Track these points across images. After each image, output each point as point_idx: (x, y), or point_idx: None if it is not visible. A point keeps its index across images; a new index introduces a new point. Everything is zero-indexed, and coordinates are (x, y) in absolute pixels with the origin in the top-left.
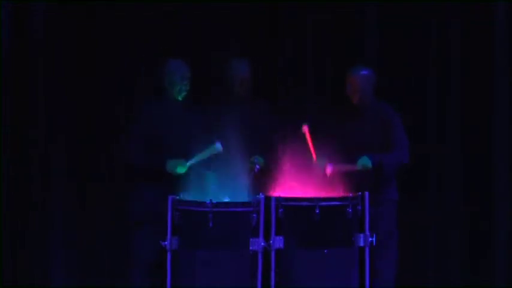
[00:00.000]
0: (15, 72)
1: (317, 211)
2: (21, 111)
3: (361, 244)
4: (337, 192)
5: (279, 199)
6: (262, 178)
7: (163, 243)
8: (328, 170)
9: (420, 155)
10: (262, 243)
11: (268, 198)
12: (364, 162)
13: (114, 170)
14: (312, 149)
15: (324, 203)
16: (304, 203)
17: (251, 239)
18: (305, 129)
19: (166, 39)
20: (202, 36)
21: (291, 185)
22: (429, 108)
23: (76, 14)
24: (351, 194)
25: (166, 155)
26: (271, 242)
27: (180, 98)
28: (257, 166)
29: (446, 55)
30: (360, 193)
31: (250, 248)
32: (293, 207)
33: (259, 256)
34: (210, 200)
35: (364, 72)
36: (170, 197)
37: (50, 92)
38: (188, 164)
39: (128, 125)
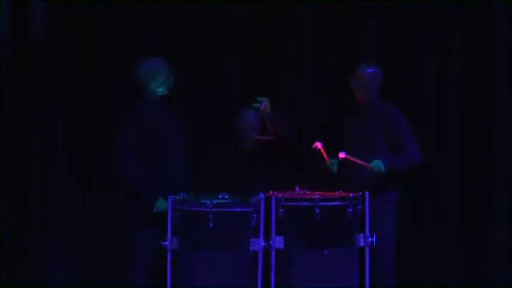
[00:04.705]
0: (15, 72)
1: (317, 211)
2: (20, 111)
3: (362, 244)
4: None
5: (279, 199)
6: (267, 118)
7: (163, 243)
8: (341, 155)
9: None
10: (263, 243)
11: (268, 198)
12: (378, 165)
13: (114, 169)
14: (326, 157)
15: (324, 203)
16: (305, 203)
17: (251, 239)
18: (318, 145)
19: (166, 39)
20: (202, 36)
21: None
22: (429, 107)
23: (76, 14)
24: (351, 194)
25: (158, 156)
26: (271, 242)
27: (164, 94)
28: (263, 103)
29: (446, 54)
30: (360, 193)
31: (251, 248)
32: (293, 207)
33: (259, 256)
34: (211, 200)
35: (370, 70)
36: (170, 197)
37: (49, 92)
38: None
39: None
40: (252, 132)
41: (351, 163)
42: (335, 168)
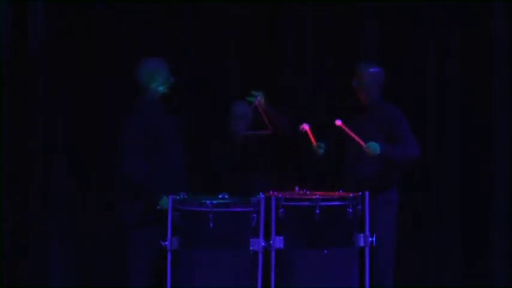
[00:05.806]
0: (15, 72)
1: (317, 211)
2: (20, 111)
3: (361, 244)
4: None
5: (279, 199)
6: (263, 112)
7: (163, 243)
8: (338, 122)
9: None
10: (263, 243)
11: (268, 198)
12: (373, 147)
13: (116, 170)
14: (313, 139)
15: (324, 203)
16: (305, 203)
17: (251, 239)
18: (306, 127)
19: (166, 39)
20: (202, 36)
21: None
22: (429, 107)
23: (76, 14)
24: (351, 194)
25: (158, 156)
26: (271, 242)
27: (164, 94)
28: (258, 97)
29: (446, 54)
30: (360, 193)
31: (251, 248)
32: (293, 207)
33: (259, 256)
34: (211, 200)
35: (372, 70)
36: (170, 197)
37: (49, 92)
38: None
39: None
40: (243, 121)
41: (351, 162)
42: (321, 151)
